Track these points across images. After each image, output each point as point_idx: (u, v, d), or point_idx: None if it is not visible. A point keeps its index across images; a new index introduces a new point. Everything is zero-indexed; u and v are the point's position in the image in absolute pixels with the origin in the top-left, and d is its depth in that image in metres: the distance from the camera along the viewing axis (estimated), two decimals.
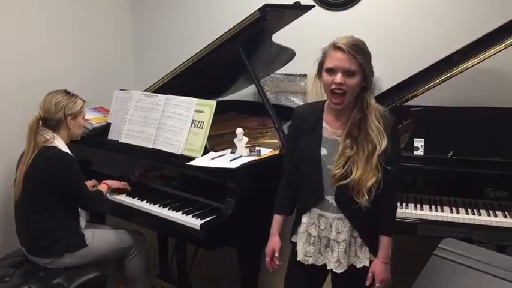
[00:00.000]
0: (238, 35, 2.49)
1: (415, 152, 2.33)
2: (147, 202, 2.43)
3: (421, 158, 2.31)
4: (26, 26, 2.96)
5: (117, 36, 3.77)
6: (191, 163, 2.28)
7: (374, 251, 1.84)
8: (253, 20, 2.42)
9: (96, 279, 2.34)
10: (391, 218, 1.88)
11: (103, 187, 2.51)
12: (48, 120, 2.35)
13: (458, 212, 2.21)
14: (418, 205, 2.27)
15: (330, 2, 3.26)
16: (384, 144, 1.71)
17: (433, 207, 2.25)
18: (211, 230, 2.12)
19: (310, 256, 1.87)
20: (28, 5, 2.96)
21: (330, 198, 1.81)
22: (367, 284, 1.83)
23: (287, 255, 2.01)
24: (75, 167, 2.33)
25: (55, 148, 2.30)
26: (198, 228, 2.14)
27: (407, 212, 2.23)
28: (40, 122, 2.34)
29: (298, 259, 1.89)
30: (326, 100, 1.85)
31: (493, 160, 2.23)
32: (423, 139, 2.34)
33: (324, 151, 1.79)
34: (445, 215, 2.20)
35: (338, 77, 1.68)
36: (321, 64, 1.75)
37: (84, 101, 2.46)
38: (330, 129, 1.81)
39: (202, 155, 2.34)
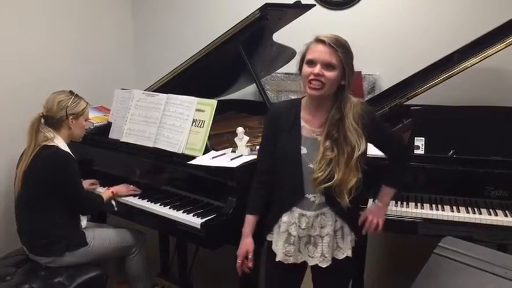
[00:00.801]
0: (238, 34, 2.50)
1: (416, 151, 2.32)
2: (148, 201, 2.44)
3: (422, 157, 2.30)
4: (27, 26, 2.96)
5: (118, 36, 3.77)
6: (192, 162, 2.28)
7: (357, 234, 1.90)
8: (253, 19, 2.43)
9: (97, 278, 2.34)
10: (401, 175, 1.99)
11: (107, 194, 2.49)
12: (50, 119, 2.35)
13: (458, 211, 2.21)
14: (419, 204, 2.27)
15: (331, 1, 3.27)
16: (363, 146, 1.74)
17: (433, 206, 2.25)
18: (212, 229, 2.12)
19: (291, 256, 1.87)
20: (29, 5, 2.97)
21: (311, 197, 1.81)
22: (361, 220, 1.90)
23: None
24: (73, 167, 2.32)
25: (54, 147, 2.30)
26: (199, 227, 2.14)
27: (408, 210, 2.23)
28: (42, 120, 2.34)
29: (277, 259, 1.88)
30: (302, 98, 1.86)
31: (493, 159, 2.22)
32: (424, 138, 2.33)
33: (303, 150, 1.79)
34: (446, 213, 2.20)
35: (317, 68, 1.69)
36: (303, 57, 1.76)
37: (88, 103, 2.47)
38: (309, 127, 1.81)
39: (203, 154, 2.35)
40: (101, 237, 2.45)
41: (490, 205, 2.21)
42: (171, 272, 3.05)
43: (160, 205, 2.37)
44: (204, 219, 2.16)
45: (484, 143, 2.28)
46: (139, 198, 2.49)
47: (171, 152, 2.45)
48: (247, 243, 1.93)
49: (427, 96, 2.55)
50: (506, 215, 2.16)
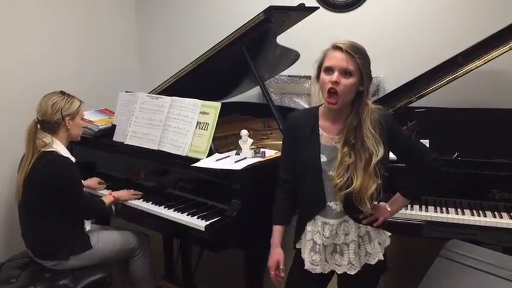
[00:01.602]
0: (242, 37, 2.50)
1: None
2: (152, 204, 2.44)
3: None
4: (32, 30, 2.98)
5: (122, 39, 3.79)
6: (196, 165, 2.28)
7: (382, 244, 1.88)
8: (257, 21, 2.43)
9: (102, 280, 2.35)
10: (421, 187, 1.91)
11: (108, 199, 2.48)
12: (46, 123, 2.32)
13: (463, 214, 2.21)
14: (424, 206, 2.27)
15: (335, 3, 3.27)
16: (381, 153, 1.71)
17: (438, 208, 2.25)
18: (216, 231, 2.12)
19: (317, 265, 1.85)
20: (33, 9, 2.98)
21: (333, 205, 1.80)
22: (365, 220, 1.83)
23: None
24: (73, 172, 2.31)
25: (54, 153, 2.28)
26: (203, 229, 2.14)
27: (412, 213, 2.23)
28: (38, 125, 2.32)
29: (305, 267, 1.87)
30: (319, 106, 1.85)
31: (498, 161, 2.22)
32: (428, 140, 2.32)
33: (323, 158, 1.79)
34: (451, 216, 2.20)
35: (335, 76, 1.68)
36: (320, 65, 1.75)
37: (81, 101, 2.43)
38: (327, 135, 1.80)
39: (207, 157, 2.35)
40: (105, 240, 2.45)
41: (494, 207, 2.21)
42: (175, 274, 3.05)
43: (164, 207, 2.38)
44: (208, 222, 2.16)
45: (489, 145, 2.28)
46: (143, 200, 2.49)
47: (175, 154, 2.45)
48: (277, 254, 1.92)
49: (431, 99, 2.55)
50: (511, 218, 2.15)
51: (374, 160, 1.70)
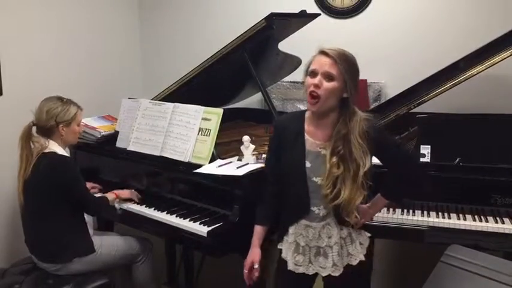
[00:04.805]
0: (244, 44, 2.52)
1: (422, 159, 2.32)
2: (154, 209, 2.45)
3: (428, 165, 2.30)
4: (35, 37, 3.00)
5: (125, 46, 3.81)
6: (198, 170, 2.29)
7: (364, 245, 1.91)
8: (259, 28, 2.45)
9: (104, 286, 2.35)
10: (398, 188, 1.92)
11: (110, 196, 2.50)
12: (40, 128, 2.35)
13: (465, 219, 2.20)
14: (425, 212, 2.27)
15: (336, 10, 3.28)
16: (368, 163, 1.74)
17: (440, 214, 2.25)
18: (218, 237, 2.13)
19: (301, 265, 1.87)
20: (36, 16, 3.01)
21: (317, 210, 1.81)
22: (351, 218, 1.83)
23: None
24: (73, 169, 2.33)
25: (52, 153, 2.31)
26: (205, 235, 2.15)
27: (414, 218, 2.23)
28: (34, 128, 2.34)
29: (289, 268, 1.88)
30: (306, 110, 1.87)
31: (500, 167, 2.22)
32: (429, 146, 2.33)
33: (307, 164, 1.80)
34: (452, 221, 2.19)
35: (316, 79, 1.70)
36: (307, 69, 1.78)
37: (78, 107, 2.44)
38: (312, 140, 1.81)
39: (209, 163, 2.36)
40: (108, 245, 2.46)
41: (496, 213, 2.21)
42: (177, 280, 3.05)
43: (167, 213, 2.38)
44: (210, 228, 2.17)
45: (491, 150, 2.28)
46: (146, 206, 2.50)
47: (177, 160, 2.46)
48: (253, 253, 1.94)
49: (433, 104, 2.55)
50: None
51: (361, 171, 1.72)
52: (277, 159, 1.88)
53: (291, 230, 1.87)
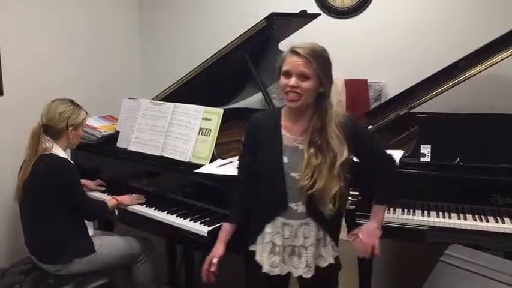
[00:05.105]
0: (245, 44, 2.52)
1: (422, 159, 2.32)
2: (155, 209, 2.45)
3: (428, 165, 2.30)
4: (35, 36, 3.00)
5: (125, 46, 3.81)
6: (199, 170, 2.30)
7: (337, 243, 1.90)
8: (259, 28, 2.45)
9: (105, 286, 2.35)
10: (389, 190, 1.93)
11: (111, 202, 2.50)
12: (50, 128, 2.36)
13: (465, 219, 2.20)
14: (426, 212, 2.27)
15: (337, 9, 3.29)
16: (345, 154, 1.74)
17: (440, 214, 2.24)
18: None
19: (276, 267, 1.84)
20: (36, 15, 3.01)
21: (294, 206, 1.80)
22: (352, 237, 1.85)
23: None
24: (72, 172, 2.34)
25: (53, 155, 2.31)
26: (206, 235, 2.16)
27: (414, 218, 2.23)
28: (42, 129, 2.35)
29: (263, 271, 1.85)
30: (282, 107, 1.87)
31: (500, 166, 2.22)
32: (430, 146, 2.33)
33: (285, 159, 1.79)
34: (453, 221, 2.19)
35: (292, 80, 1.70)
36: (279, 68, 1.77)
37: (86, 112, 2.48)
38: (290, 136, 1.81)
39: (209, 163, 2.36)
40: (108, 245, 2.46)
41: (497, 213, 2.20)
42: (178, 280, 3.05)
43: (167, 213, 2.38)
44: (210, 227, 2.17)
45: (491, 150, 2.28)
46: (146, 206, 2.50)
47: (178, 160, 2.46)
48: (217, 248, 1.92)
49: (433, 104, 2.55)
50: None
51: (338, 161, 1.73)
52: (252, 156, 1.87)
53: (268, 229, 1.84)
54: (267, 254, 1.85)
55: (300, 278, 1.86)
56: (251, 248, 1.92)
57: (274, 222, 1.83)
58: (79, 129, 2.44)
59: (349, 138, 1.77)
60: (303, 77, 1.70)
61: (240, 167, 1.98)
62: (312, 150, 1.74)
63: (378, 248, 1.84)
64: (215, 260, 1.91)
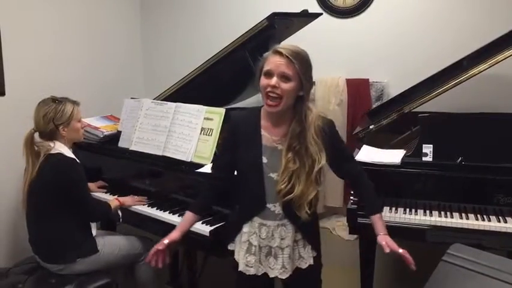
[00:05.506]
0: (246, 43, 2.52)
1: (424, 159, 2.32)
2: (157, 209, 2.46)
3: (430, 164, 2.30)
4: (37, 36, 3.01)
5: (127, 46, 3.82)
6: (200, 170, 2.30)
7: (316, 248, 1.89)
8: (261, 28, 2.45)
9: (107, 286, 2.35)
10: (375, 198, 1.94)
11: (114, 203, 2.50)
12: (42, 133, 2.36)
13: (467, 218, 2.20)
14: (428, 211, 2.27)
15: (338, 9, 3.29)
16: (323, 160, 1.75)
17: (442, 213, 2.24)
18: (220, 236, 2.13)
19: (252, 266, 1.85)
20: (39, 16, 3.01)
21: (272, 206, 1.81)
22: (387, 251, 1.79)
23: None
24: (78, 171, 2.33)
25: (60, 154, 2.31)
26: (208, 234, 2.16)
27: (416, 218, 2.23)
28: (36, 134, 2.34)
29: (239, 269, 1.87)
30: (261, 106, 1.86)
31: (502, 166, 2.21)
32: (432, 145, 2.33)
33: (264, 159, 1.79)
34: (455, 221, 2.19)
35: (273, 80, 1.70)
36: (261, 68, 1.76)
37: (74, 103, 2.41)
38: (269, 136, 1.81)
39: (211, 162, 2.36)
40: (110, 245, 2.46)
41: (499, 212, 2.20)
42: (180, 279, 3.05)
43: (169, 213, 2.39)
44: (212, 227, 2.18)
45: (493, 149, 2.27)
46: (148, 206, 2.51)
47: (179, 160, 2.46)
48: (172, 233, 1.90)
49: (435, 103, 2.55)
50: None
51: (316, 167, 1.74)
52: (231, 156, 1.87)
53: (245, 228, 1.86)
54: (243, 253, 1.86)
55: (282, 278, 1.86)
56: (230, 247, 1.94)
57: (251, 222, 1.85)
58: (72, 123, 2.38)
59: (326, 143, 1.77)
60: (284, 77, 1.70)
61: (217, 165, 1.99)
62: (290, 155, 1.74)
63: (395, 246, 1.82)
64: (166, 241, 1.88)
